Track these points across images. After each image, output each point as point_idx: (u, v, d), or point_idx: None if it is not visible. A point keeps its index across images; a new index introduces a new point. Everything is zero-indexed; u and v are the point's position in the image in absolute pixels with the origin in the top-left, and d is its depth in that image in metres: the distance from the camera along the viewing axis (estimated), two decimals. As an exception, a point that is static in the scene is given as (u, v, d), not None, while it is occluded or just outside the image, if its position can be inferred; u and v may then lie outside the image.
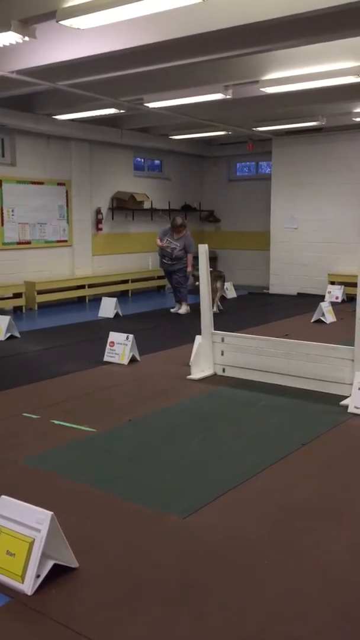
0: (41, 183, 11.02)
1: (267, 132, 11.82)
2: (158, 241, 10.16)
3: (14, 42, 5.64)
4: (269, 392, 5.49)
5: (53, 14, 5.12)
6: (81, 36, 5.88)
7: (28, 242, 10.92)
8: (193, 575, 2.69)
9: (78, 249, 11.83)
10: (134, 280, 12.67)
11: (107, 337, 6.84)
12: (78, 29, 5.30)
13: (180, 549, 2.91)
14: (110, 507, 3.32)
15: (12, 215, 10.56)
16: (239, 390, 5.62)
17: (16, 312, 10.37)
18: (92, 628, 2.35)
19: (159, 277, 13.15)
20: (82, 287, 11.61)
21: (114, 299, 9.94)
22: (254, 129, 11.32)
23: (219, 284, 10.05)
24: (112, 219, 12.46)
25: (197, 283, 9.64)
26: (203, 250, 6.05)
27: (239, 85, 7.95)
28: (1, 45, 5.78)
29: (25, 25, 5.38)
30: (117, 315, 9.74)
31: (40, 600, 2.50)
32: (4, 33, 5.38)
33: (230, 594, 2.56)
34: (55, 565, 2.61)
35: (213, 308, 9.40)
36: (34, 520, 2.61)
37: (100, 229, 12.25)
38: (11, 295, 10.42)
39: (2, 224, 10.45)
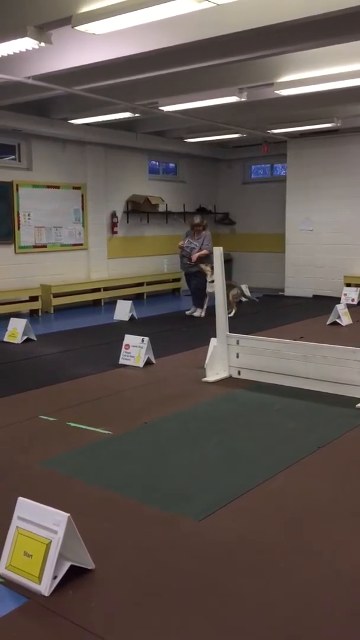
0: (57, 187, 11.10)
1: (282, 135, 11.80)
2: (180, 242, 10.22)
3: (30, 48, 5.69)
4: (284, 395, 5.48)
5: (68, 20, 5.16)
6: (96, 41, 5.92)
7: (44, 246, 11.00)
8: (208, 578, 2.70)
9: (93, 252, 11.89)
10: (149, 283, 12.70)
11: (123, 340, 6.87)
12: (93, 34, 5.34)
13: (196, 551, 2.91)
14: (126, 510, 3.34)
15: (29, 219, 10.65)
16: (255, 393, 5.61)
17: (32, 315, 10.45)
18: (109, 630, 2.37)
19: (174, 280, 13.20)
20: (97, 290, 11.67)
21: (129, 302, 9.97)
22: (269, 131, 11.31)
23: (234, 292, 10.01)
24: (127, 222, 12.51)
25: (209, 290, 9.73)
26: (218, 253, 6.05)
27: (254, 88, 7.95)
28: (17, 52, 5.84)
29: (41, 31, 5.42)
30: (132, 318, 9.77)
31: (57, 602, 2.52)
32: (20, 39, 5.44)
33: (246, 597, 2.56)
34: (71, 567, 2.63)
35: (231, 313, 9.53)
36: (51, 521, 2.63)
37: (116, 232, 12.30)
38: (27, 299, 10.50)
39: (19, 228, 10.54)
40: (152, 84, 8.02)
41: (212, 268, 9.51)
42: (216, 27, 5.42)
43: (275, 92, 7.70)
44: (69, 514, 2.61)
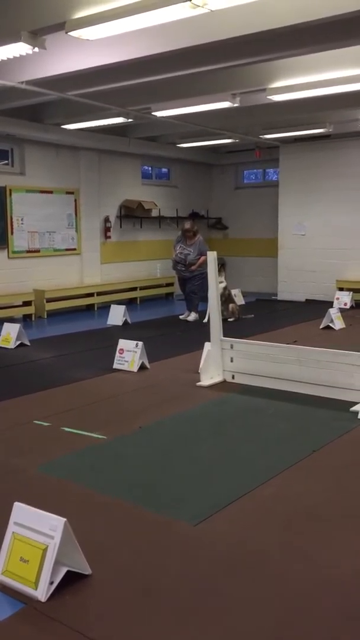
0: (50, 192, 11.10)
1: (274, 140, 11.86)
2: (173, 251, 10.16)
3: (24, 53, 5.69)
4: (278, 399, 5.49)
5: (62, 25, 5.17)
6: (90, 47, 5.93)
7: (37, 251, 10.99)
8: (204, 583, 2.69)
9: (87, 257, 11.89)
10: (142, 288, 12.71)
11: (117, 344, 6.86)
12: (87, 40, 5.35)
13: (191, 556, 2.91)
14: (122, 514, 3.33)
15: (22, 224, 10.64)
16: (249, 397, 5.62)
17: (25, 320, 10.43)
18: (107, 635, 2.36)
19: (167, 285, 13.20)
20: (90, 295, 11.67)
21: (123, 307, 9.98)
22: (261, 136, 11.36)
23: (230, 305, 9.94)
24: (121, 227, 12.52)
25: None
26: (212, 257, 6.07)
27: (247, 93, 7.99)
28: (12, 57, 5.84)
29: (35, 36, 5.43)
30: (125, 322, 9.76)
31: (54, 607, 2.51)
32: (15, 44, 5.45)
33: (241, 601, 2.56)
34: (68, 572, 2.62)
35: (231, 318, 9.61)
36: (47, 526, 2.63)
37: (109, 237, 12.31)
38: (21, 304, 10.48)
39: (12, 233, 10.52)
40: (145, 90, 8.04)
41: (221, 264, 9.54)
42: (210, 33, 5.44)
43: (268, 97, 7.74)
44: (65, 519, 2.60)
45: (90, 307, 11.74)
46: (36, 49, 5.56)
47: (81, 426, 4.79)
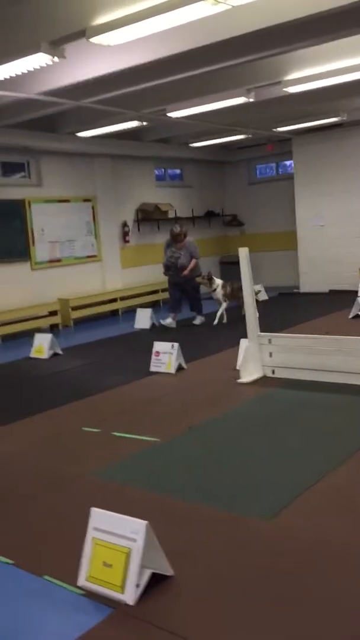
0: (67, 201, 11.14)
1: (287, 132, 11.82)
2: (163, 256, 9.77)
3: (43, 64, 5.72)
4: (323, 391, 5.46)
5: (81, 33, 5.18)
6: (106, 52, 5.94)
7: (59, 260, 11.03)
8: (288, 579, 2.68)
9: (107, 262, 11.92)
10: (164, 290, 12.67)
11: (148, 347, 6.87)
12: (108, 45, 5.36)
13: (271, 551, 2.90)
14: (191, 514, 3.33)
15: (42, 234, 10.69)
16: (293, 390, 5.60)
17: (53, 329, 10.46)
18: (199, 634, 2.36)
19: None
20: (114, 300, 11.69)
21: (149, 310, 9.99)
22: (274, 129, 11.33)
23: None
24: (138, 230, 12.54)
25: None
26: (244, 254, 6.06)
27: (261, 87, 7.97)
28: (31, 69, 5.87)
29: (55, 45, 5.45)
30: (153, 325, 9.77)
31: (143, 610, 2.51)
32: (34, 55, 5.47)
33: (326, 597, 2.54)
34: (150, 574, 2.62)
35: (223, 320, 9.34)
36: (128, 530, 2.63)
37: (128, 242, 12.33)
38: (47, 314, 10.53)
39: (34, 244, 10.57)
40: (159, 91, 8.03)
41: (209, 280, 9.51)
42: (225, 30, 5.44)
43: (284, 90, 7.71)
44: (147, 522, 2.61)
45: (114, 313, 11.76)
46: (55, 59, 5.58)
47: (130, 430, 4.80)
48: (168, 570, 2.71)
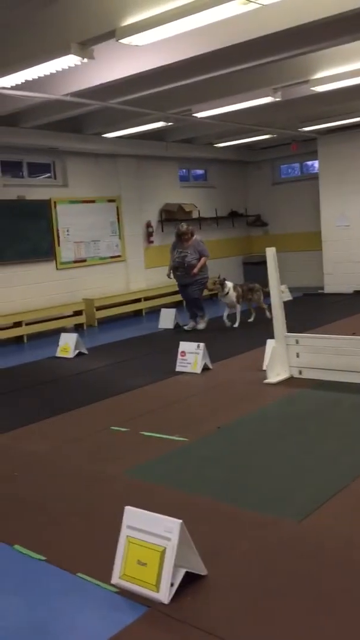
0: (92, 201, 11.20)
1: (312, 132, 11.74)
2: (170, 258, 9.46)
3: (72, 65, 5.75)
4: (352, 392, 5.41)
5: (110, 34, 5.21)
6: (134, 53, 5.96)
7: (84, 260, 11.10)
8: (322, 580, 2.66)
9: (131, 263, 11.96)
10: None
11: (172, 347, 6.87)
12: (136, 46, 5.37)
13: (303, 552, 2.88)
14: (223, 514, 3.32)
15: (68, 234, 10.77)
16: (321, 391, 5.56)
17: (77, 329, 10.53)
18: (235, 633, 2.35)
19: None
20: (138, 300, 11.72)
21: (173, 310, 10.00)
22: (299, 129, 11.27)
23: (255, 296, 9.53)
24: (162, 231, 12.56)
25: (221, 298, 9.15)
26: (271, 254, 6.04)
27: (288, 87, 7.93)
28: (60, 69, 5.91)
29: (84, 46, 5.49)
30: (177, 325, 9.78)
31: (177, 608, 2.51)
32: (64, 57, 5.51)
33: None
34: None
35: (235, 324, 9.14)
36: (162, 529, 2.63)
37: (152, 242, 12.36)
38: (71, 313, 10.59)
39: (59, 244, 10.65)
40: (185, 91, 8.04)
41: (220, 284, 9.13)
42: (254, 29, 5.41)
43: (311, 89, 7.67)
44: (181, 521, 2.61)
45: (137, 313, 11.79)
46: (85, 60, 5.61)
47: (159, 430, 4.80)
48: (202, 570, 2.71)
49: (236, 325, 9.28)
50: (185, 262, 9.17)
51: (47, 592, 2.76)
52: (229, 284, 9.30)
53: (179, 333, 9.18)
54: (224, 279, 9.34)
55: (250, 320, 9.50)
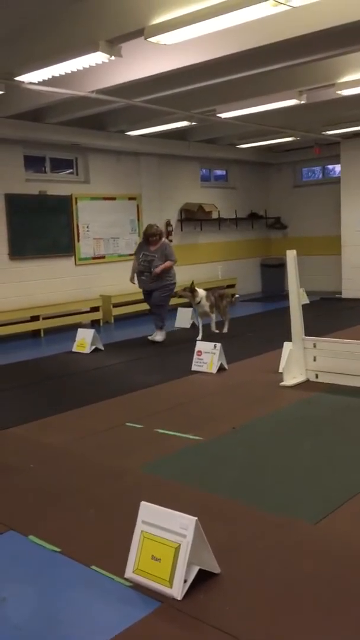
0: (113, 199, 11.24)
1: (335, 136, 11.69)
2: (135, 262, 8.72)
3: (100, 62, 5.79)
4: (368, 397, 5.40)
5: (139, 32, 5.23)
6: (161, 52, 5.99)
7: (102, 257, 11.15)
8: (335, 584, 2.65)
9: (150, 261, 11.97)
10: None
11: (188, 347, 6.88)
12: (164, 45, 5.39)
13: (318, 554, 2.88)
14: (237, 514, 3.33)
15: (87, 231, 10.82)
16: (337, 395, 5.54)
17: (94, 325, 10.57)
18: (248, 631, 2.36)
19: (229, 286, 13.15)
20: (155, 298, 11.72)
21: (190, 309, 9.99)
22: (323, 132, 11.22)
23: (224, 303, 8.98)
24: (181, 230, 12.58)
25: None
26: (292, 256, 6.03)
27: (314, 90, 7.91)
28: (87, 66, 5.94)
29: (112, 45, 5.52)
30: (193, 325, 9.78)
31: (190, 605, 2.52)
32: (92, 54, 5.55)
33: (380, 599, 2.51)
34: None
35: (224, 329, 8.78)
36: (177, 525, 2.64)
37: (171, 241, 12.30)
38: (89, 310, 10.65)
39: (79, 240, 10.71)
40: (210, 91, 8.05)
41: (191, 292, 8.45)
42: (282, 31, 5.41)
43: (337, 92, 7.64)
44: (196, 518, 2.62)
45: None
46: (112, 58, 5.64)
47: (174, 428, 4.82)
48: (215, 568, 2.72)
49: (225, 330, 8.96)
50: (152, 266, 8.42)
51: (61, 584, 2.79)
52: (202, 292, 8.58)
53: (196, 332, 9.15)
54: (195, 287, 8.63)
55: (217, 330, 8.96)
